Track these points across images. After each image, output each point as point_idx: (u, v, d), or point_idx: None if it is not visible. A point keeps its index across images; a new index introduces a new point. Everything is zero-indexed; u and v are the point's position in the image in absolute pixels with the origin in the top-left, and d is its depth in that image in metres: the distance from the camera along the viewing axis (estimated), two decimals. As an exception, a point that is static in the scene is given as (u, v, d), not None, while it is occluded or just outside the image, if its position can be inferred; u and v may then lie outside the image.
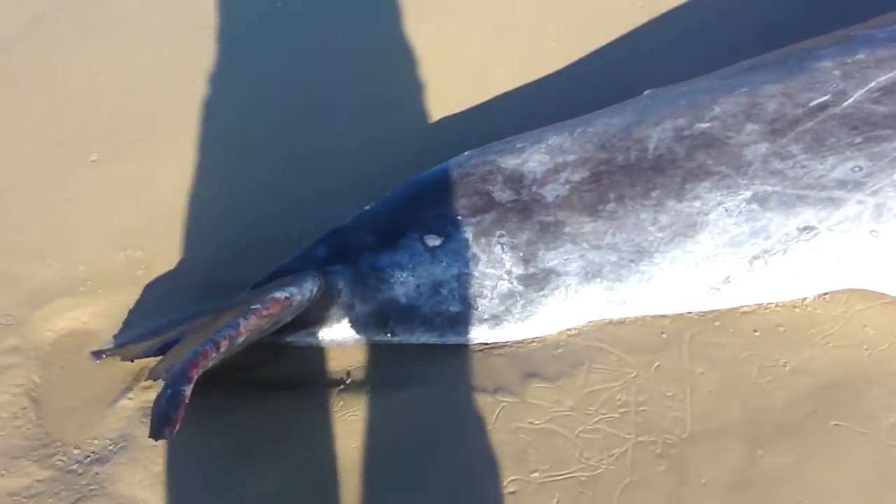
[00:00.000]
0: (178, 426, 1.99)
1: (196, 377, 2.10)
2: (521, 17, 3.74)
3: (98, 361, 2.70)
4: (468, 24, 3.71)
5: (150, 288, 2.89)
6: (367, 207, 2.83)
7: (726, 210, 2.53)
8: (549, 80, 3.49)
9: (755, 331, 2.62)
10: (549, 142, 2.79)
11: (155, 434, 2.00)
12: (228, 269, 2.92)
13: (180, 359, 2.24)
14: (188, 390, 2.04)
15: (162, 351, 2.59)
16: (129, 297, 2.86)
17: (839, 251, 2.48)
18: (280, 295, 2.37)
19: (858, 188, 2.45)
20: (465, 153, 2.88)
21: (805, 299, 2.64)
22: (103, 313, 2.84)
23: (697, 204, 2.56)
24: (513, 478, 2.43)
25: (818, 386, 2.50)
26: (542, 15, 3.73)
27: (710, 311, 2.66)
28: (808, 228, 2.48)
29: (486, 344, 2.70)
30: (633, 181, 2.63)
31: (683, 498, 2.35)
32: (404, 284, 2.68)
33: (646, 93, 2.91)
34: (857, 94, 2.52)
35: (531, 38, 3.65)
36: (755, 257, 2.53)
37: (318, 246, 2.78)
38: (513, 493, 2.40)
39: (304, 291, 2.46)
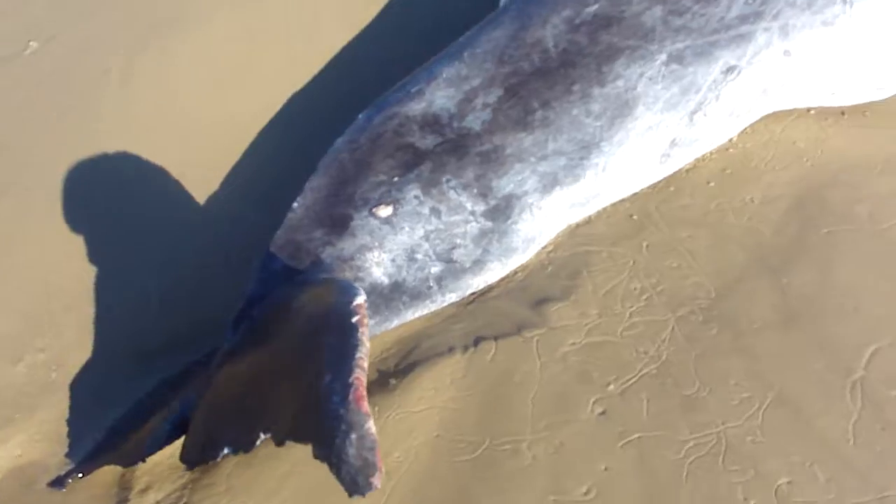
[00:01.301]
0: (382, 468, 1.62)
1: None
2: None
3: (64, 489, 2.12)
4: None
5: (77, 385, 2.32)
6: (295, 205, 2.49)
7: (650, 78, 2.54)
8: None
9: (709, 182, 2.68)
10: (444, 75, 2.63)
11: (362, 488, 1.61)
12: (154, 334, 2.43)
13: (239, 418, 1.84)
14: (372, 426, 1.66)
15: (175, 434, 2.09)
16: (55, 408, 2.28)
17: (763, 81, 2.59)
18: (360, 299, 1.99)
19: (760, 18, 2.57)
20: (360, 115, 2.63)
21: (731, 140, 2.74)
22: (35, 438, 2.24)
23: (621, 83, 2.55)
24: (593, 398, 2.27)
25: (789, 206, 2.60)
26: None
27: (660, 182, 2.67)
28: (730, 69, 2.56)
29: (477, 293, 2.51)
30: (550, 83, 2.56)
31: (750, 347, 2.33)
32: (380, 264, 2.40)
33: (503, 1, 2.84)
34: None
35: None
36: (693, 112, 2.57)
37: (272, 261, 2.40)
38: (602, 412, 2.25)
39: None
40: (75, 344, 2.40)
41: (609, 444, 2.20)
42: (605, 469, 2.16)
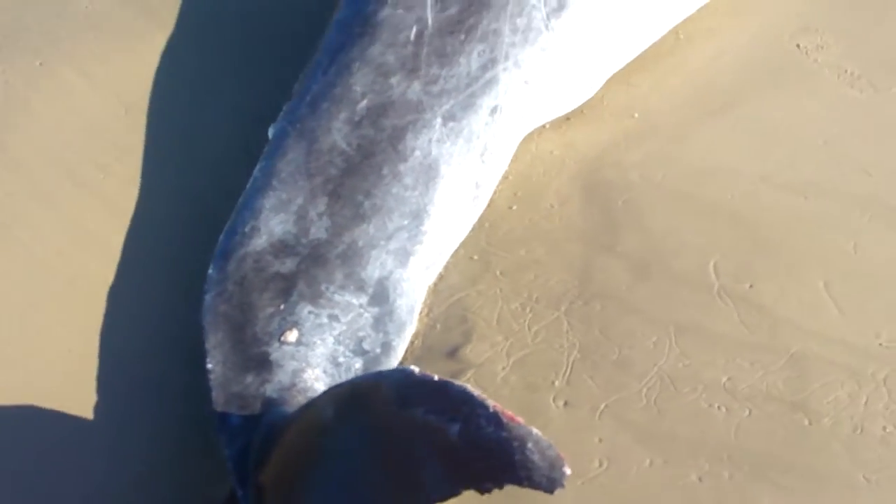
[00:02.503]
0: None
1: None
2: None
3: None
4: None
5: None
6: (209, 366, 2.49)
7: (438, 141, 2.86)
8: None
9: (511, 207, 3.07)
10: (267, 206, 2.78)
11: (560, 480, 1.78)
12: None
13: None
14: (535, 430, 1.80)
15: None
16: None
17: (518, 109, 3.03)
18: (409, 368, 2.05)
19: (496, 62, 3.00)
20: (209, 271, 2.69)
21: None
22: None
23: (418, 153, 2.83)
24: (551, 397, 2.54)
25: (582, 198, 3.07)
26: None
27: (476, 223, 3.01)
28: (494, 109, 2.97)
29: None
30: (363, 175, 2.80)
31: (632, 304, 2.75)
32: (317, 379, 2.49)
33: (270, 132, 3.03)
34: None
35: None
36: (482, 154, 2.94)
37: (227, 419, 2.38)
38: (565, 403, 2.52)
39: None
40: None
41: (588, 422, 2.49)
42: (600, 440, 2.44)
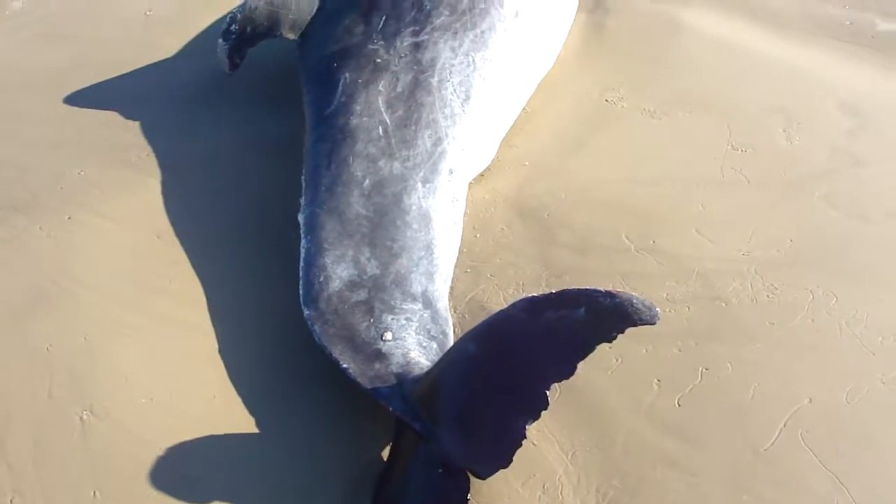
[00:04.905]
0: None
1: None
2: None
3: None
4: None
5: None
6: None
7: (424, 187, 4.13)
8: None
9: (476, 234, 4.34)
10: (328, 259, 3.89)
11: (655, 316, 2.92)
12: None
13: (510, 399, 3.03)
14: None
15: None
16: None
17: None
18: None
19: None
20: (308, 314, 3.74)
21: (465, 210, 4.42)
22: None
23: (415, 210, 4.09)
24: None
25: (523, 218, 4.39)
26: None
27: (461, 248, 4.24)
28: (438, 140, 4.27)
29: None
30: (384, 228, 4.00)
31: (598, 270, 4.09)
32: (420, 355, 3.60)
33: (301, 218, 4.12)
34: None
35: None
36: (454, 196, 4.22)
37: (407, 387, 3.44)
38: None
39: None
40: None
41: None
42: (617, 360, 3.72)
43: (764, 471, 3.30)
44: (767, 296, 3.91)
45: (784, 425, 3.43)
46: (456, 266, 4.12)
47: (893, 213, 4.32)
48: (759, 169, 4.60)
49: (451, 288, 4.05)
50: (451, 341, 3.76)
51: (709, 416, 3.49)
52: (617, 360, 3.69)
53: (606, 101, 5.11)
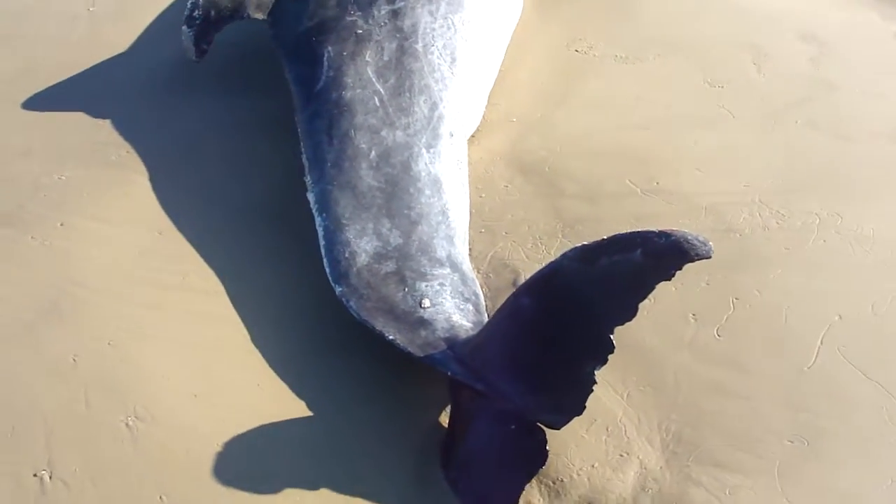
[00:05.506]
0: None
1: None
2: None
3: None
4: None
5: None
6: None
7: (428, 153, 4.13)
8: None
9: (481, 195, 4.36)
10: (350, 234, 3.85)
11: (709, 250, 2.96)
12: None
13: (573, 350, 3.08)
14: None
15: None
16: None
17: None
18: None
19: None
20: (340, 291, 3.71)
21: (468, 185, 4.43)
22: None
23: (424, 175, 4.09)
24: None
25: (525, 175, 4.42)
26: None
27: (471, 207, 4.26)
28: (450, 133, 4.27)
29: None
30: (399, 197, 3.99)
31: (598, 219, 4.15)
32: (459, 317, 3.61)
33: (311, 196, 4.07)
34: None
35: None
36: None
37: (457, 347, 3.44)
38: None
39: None
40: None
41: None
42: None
43: (812, 387, 3.43)
44: (777, 223, 4.03)
45: (821, 343, 3.56)
46: (470, 228, 4.13)
47: (874, 132, 4.50)
48: (739, 103, 4.73)
49: (470, 249, 4.06)
50: (482, 301, 3.78)
51: (749, 343, 3.60)
52: (651, 301, 3.73)
53: (577, 51, 5.18)
